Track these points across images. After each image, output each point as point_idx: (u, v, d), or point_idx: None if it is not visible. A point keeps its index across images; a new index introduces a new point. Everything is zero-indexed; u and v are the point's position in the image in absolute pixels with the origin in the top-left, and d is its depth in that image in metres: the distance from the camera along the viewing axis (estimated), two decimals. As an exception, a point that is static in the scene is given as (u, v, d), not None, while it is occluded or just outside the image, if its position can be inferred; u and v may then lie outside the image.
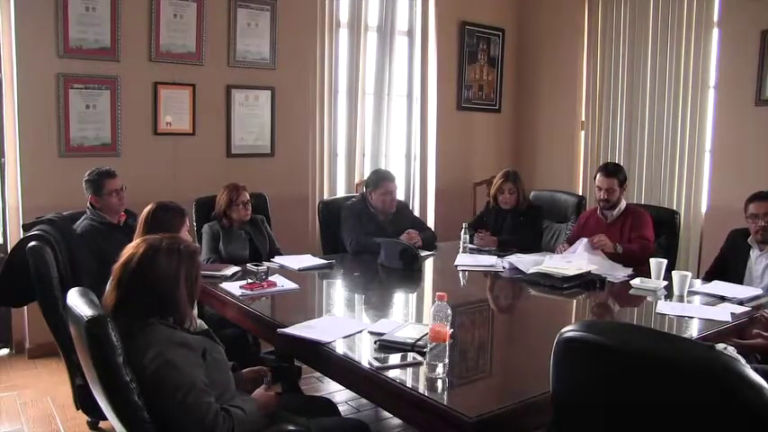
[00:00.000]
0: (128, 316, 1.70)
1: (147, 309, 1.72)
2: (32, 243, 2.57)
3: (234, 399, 1.79)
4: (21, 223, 3.53)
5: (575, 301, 2.90)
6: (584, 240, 3.35)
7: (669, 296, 2.81)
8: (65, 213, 3.19)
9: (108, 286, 1.81)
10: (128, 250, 1.79)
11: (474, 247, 3.71)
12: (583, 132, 5.60)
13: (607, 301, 2.91)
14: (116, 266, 1.78)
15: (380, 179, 3.76)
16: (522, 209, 3.98)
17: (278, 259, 3.32)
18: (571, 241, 3.55)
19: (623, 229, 3.49)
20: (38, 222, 2.93)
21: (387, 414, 3.07)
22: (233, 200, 3.45)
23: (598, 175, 3.58)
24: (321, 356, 2.05)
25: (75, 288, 1.83)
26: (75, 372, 2.42)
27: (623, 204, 3.56)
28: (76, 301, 1.74)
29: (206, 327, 1.94)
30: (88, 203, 3.20)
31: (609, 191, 3.50)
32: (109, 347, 1.60)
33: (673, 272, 2.85)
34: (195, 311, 2.51)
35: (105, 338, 1.60)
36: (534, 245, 3.81)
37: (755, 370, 1.16)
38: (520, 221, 3.95)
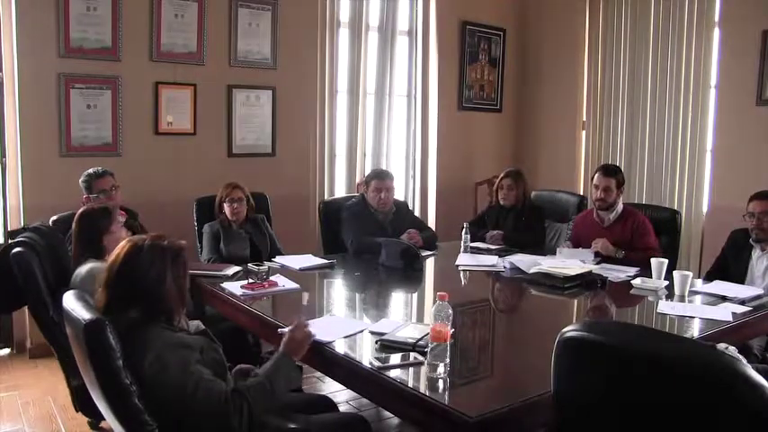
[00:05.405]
0: (120, 317, 1.68)
1: (136, 309, 1.70)
2: (16, 249, 2.54)
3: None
4: (22, 224, 3.52)
5: (576, 301, 2.90)
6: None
7: (670, 296, 2.80)
8: (61, 215, 3.19)
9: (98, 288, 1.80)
10: (114, 251, 1.79)
11: (484, 246, 3.73)
12: (584, 132, 5.59)
13: (608, 301, 2.91)
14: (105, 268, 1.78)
15: (371, 177, 3.83)
16: (522, 209, 3.99)
17: (279, 259, 3.32)
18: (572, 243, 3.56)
19: (622, 233, 3.46)
20: (23, 230, 2.91)
21: (388, 414, 3.06)
22: (223, 196, 3.52)
23: (596, 175, 3.57)
24: (322, 356, 2.04)
25: (71, 291, 1.81)
26: (71, 373, 2.42)
27: (620, 207, 3.54)
28: (73, 304, 1.72)
29: (203, 327, 1.94)
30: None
31: (606, 190, 3.49)
32: (108, 351, 1.58)
33: (674, 272, 2.85)
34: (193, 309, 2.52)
35: (104, 342, 1.59)
36: (536, 246, 3.80)
37: (756, 370, 1.16)
38: (520, 222, 3.95)
